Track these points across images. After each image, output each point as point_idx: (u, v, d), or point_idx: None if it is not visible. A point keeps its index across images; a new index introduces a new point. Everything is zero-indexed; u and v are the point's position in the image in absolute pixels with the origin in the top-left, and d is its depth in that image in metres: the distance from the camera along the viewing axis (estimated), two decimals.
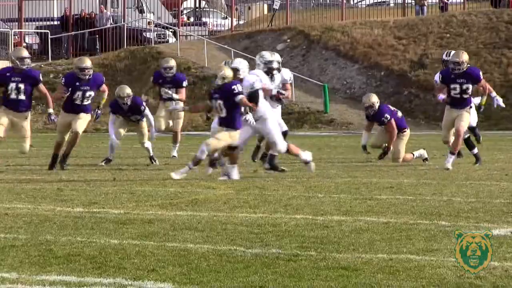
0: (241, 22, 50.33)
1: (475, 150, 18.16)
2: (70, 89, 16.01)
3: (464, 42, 39.65)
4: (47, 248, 8.94)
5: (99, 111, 16.71)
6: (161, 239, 9.48)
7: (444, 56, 14.61)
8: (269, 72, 14.39)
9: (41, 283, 7.26)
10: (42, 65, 44.86)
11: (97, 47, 45.24)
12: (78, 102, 15.77)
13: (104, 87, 16.73)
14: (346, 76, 37.54)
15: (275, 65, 15.18)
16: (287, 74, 15.65)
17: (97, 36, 47.04)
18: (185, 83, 19.77)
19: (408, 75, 41.12)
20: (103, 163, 19.15)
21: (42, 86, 14.90)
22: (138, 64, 42.56)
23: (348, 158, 19.15)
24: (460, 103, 15.39)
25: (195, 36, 46.23)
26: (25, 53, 16.07)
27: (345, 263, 8.06)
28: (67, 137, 16.69)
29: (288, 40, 41.61)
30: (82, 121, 16.07)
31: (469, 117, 16.17)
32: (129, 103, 17.90)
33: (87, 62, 16.61)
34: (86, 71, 15.99)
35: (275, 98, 15.05)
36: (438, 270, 7.70)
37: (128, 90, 18.04)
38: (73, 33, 46.91)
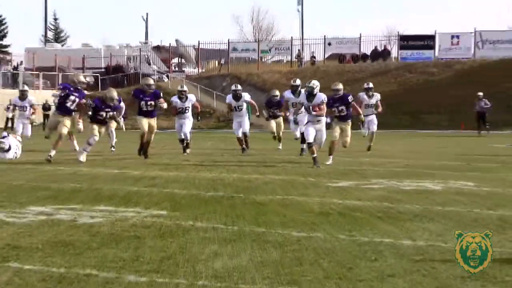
0: (203, 70, 50.08)
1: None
2: (137, 100, 14.32)
3: (324, 82, 39.79)
4: (98, 192, 8.94)
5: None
6: (160, 187, 9.50)
7: (306, 84, 13.63)
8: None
9: (94, 210, 7.31)
10: (96, 93, 44.49)
11: (125, 83, 44.92)
12: (145, 109, 14.26)
13: (162, 101, 14.57)
14: (260, 102, 37.46)
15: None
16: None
17: (125, 77, 46.70)
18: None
19: None
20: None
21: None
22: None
23: (263, 147, 19.11)
24: (341, 118, 13.51)
25: (178, 77, 45.85)
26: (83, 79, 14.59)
27: (259, 200, 8.18)
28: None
29: (228, 80, 41.38)
30: (154, 125, 14.56)
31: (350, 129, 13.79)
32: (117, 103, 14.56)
33: (151, 81, 15.14)
34: (152, 86, 14.56)
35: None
36: (309, 204, 7.85)
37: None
38: (112, 76, 46.43)
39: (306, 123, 13.08)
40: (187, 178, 10.79)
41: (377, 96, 17.36)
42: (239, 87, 17.25)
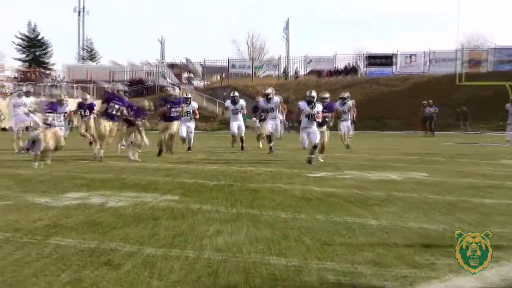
0: (208, 83, 49.94)
1: (272, 144, 15.14)
2: (165, 106, 13.75)
3: (304, 92, 39.81)
4: (123, 181, 8.88)
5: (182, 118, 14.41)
6: (173, 177, 9.44)
7: (306, 94, 12.83)
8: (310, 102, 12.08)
9: (120, 195, 7.26)
10: None
11: (145, 93, 44.79)
12: (171, 114, 13.82)
13: (183, 106, 14.22)
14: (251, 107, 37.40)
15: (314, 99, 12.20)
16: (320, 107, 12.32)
17: (144, 88, 46.55)
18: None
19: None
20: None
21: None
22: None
23: (256, 145, 18.95)
24: (322, 124, 12.54)
25: (188, 89, 45.69)
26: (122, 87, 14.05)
27: (253, 187, 8.14)
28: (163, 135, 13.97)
29: (228, 91, 41.15)
30: (176, 125, 14.05)
31: (327, 132, 13.02)
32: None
33: (176, 91, 14.54)
34: (174, 96, 13.99)
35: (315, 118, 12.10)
36: (293, 191, 7.80)
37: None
38: (134, 87, 46.25)
39: (302, 129, 12.36)
40: (195, 170, 10.73)
41: (349, 103, 17.22)
42: (236, 93, 17.05)
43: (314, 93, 12.39)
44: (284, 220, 5.79)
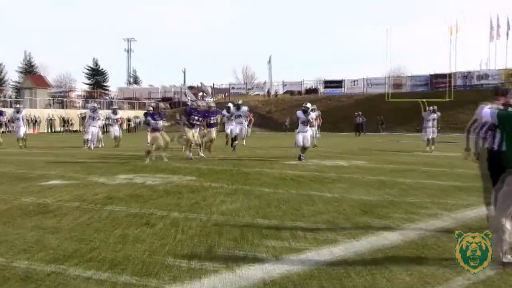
0: (215, 99, 49.62)
1: (236, 143, 14.03)
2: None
3: (281, 106, 39.90)
4: (157, 167, 8.73)
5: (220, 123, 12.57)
6: (192, 164, 9.31)
7: (303, 105, 10.96)
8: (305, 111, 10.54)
9: (155, 177, 7.17)
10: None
11: (173, 107, 44.38)
12: (211, 122, 11.99)
13: (219, 117, 12.50)
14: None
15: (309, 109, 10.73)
16: (314, 114, 11.19)
17: (173, 103, 46.19)
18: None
19: (266, 115, 41.01)
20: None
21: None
22: (184, 113, 41.42)
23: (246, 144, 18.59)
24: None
25: (202, 104, 45.30)
26: (162, 105, 12.58)
27: (246, 171, 8.05)
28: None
29: (231, 103, 40.99)
30: (214, 131, 12.12)
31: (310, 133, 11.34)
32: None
33: (213, 103, 12.72)
34: (213, 108, 12.16)
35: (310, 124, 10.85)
36: (274, 173, 7.77)
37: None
38: (164, 102, 45.80)
39: (298, 132, 10.81)
40: (206, 159, 10.63)
41: (317, 113, 16.69)
42: (230, 105, 15.75)
43: (308, 105, 11.13)
44: (268, 193, 5.76)
